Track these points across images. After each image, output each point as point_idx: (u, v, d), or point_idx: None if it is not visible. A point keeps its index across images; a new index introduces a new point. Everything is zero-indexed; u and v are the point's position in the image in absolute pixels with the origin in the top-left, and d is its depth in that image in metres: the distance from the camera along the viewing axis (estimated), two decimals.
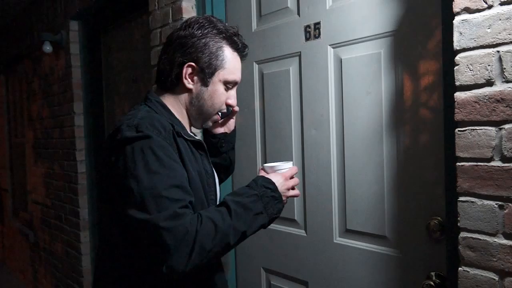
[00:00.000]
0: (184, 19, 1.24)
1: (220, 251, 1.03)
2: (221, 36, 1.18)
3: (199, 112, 1.22)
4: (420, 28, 1.35)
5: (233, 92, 1.24)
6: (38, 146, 3.97)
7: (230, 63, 1.19)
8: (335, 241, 1.62)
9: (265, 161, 1.87)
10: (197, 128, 1.30)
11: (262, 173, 1.21)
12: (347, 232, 1.58)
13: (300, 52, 1.70)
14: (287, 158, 1.75)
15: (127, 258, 1.10)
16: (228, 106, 1.25)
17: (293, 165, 1.25)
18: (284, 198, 1.17)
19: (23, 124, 4.54)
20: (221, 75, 1.18)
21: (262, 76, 1.87)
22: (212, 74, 1.17)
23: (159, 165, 1.01)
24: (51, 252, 3.77)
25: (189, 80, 1.17)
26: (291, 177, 1.21)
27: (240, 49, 1.22)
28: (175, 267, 0.96)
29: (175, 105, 1.21)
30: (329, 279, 1.64)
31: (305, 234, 1.72)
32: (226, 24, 1.22)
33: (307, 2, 1.67)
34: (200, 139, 1.21)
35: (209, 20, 1.19)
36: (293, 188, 1.21)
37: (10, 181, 5.26)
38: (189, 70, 1.16)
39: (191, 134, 1.21)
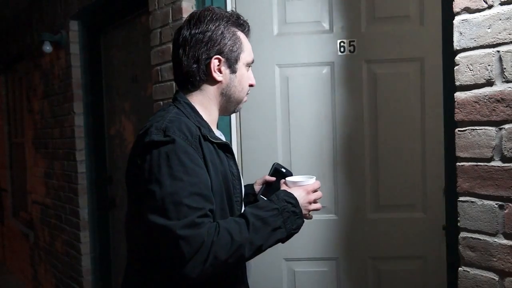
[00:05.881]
0: (185, 19, 1.23)
1: (235, 262, 1.04)
2: (229, 22, 1.20)
3: (230, 99, 1.23)
4: None
5: (250, 72, 1.27)
6: (38, 146, 3.97)
7: (246, 45, 1.23)
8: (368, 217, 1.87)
9: (288, 160, 1.92)
10: (229, 114, 1.34)
11: (284, 187, 1.22)
12: (380, 207, 1.86)
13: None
14: (316, 152, 1.89)
15: (149, 259, 1.11)
16: (250, 86, 1.27)
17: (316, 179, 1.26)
18: (305, 211, 1.18)
19: (23, 124, 4.54)
20: (243, 58, 1.21)
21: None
22: (236, 60, 1.20)
23: (183, 171, 1.02)
24: (51, 252, 3.77)
25: (218, 72, 1.19)
26: (314, 191, 1.22)
27: (247, 29, 1.25)
28: (188, 275, 0.98)
29: (204, 102, 1.21)
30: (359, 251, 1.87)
31: (336, 217, 1.89)
32: (220, 8, 1.24)
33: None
34: (227, 141, 1.21)
35: (212, 10, 1.20)
36: (315, 202, 1.22)
37: (10, 181, 5.26)
38: (216, 62, 1.17)
39: (218, 136, 1.22)
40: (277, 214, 1.09)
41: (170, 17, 2.09)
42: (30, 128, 4.18)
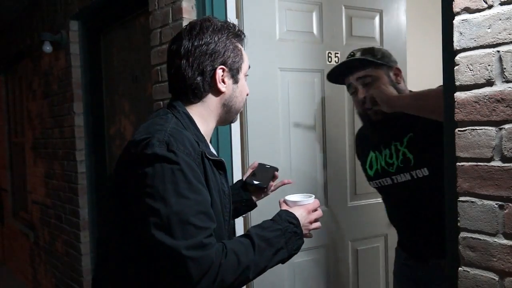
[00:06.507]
0: (184, 29, 1.22)
1: (239, 284, 1.03)
2: (229, 33, 1.20)
3: (231, 110, 1.23)
4: None
5: (246, 81, 1.28)
6: (38, 146, 3.97)
7: (244, 55, 1.24)
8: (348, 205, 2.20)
9: (289, 160, 2.06)
10: (226, 124, 1.35)
11: (285, 207, 1.22)
12: (356, 196, 2.22)
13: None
14: (310, 151, 2.09)
15: (146, 279, 1.07)
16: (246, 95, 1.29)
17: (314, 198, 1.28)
18: (306, 231, 1.19)
19: (23, 124, 4.54)
20: (243, 68, 1.23)
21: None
22: (238, 70, 1.21)
23: (188, 189, 0.99)
24: (51, 252, 3.77)
25: (222, 83, 1.18)
26: (314, 210, 1.22)
27: (243, 38, 1.25)
28: None
29: (204, 114, 1.20)
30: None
31: (326, 208, 2.11)
32: (218, 19, 1.24)
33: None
34: (221, 158, 1.20)
35: (212, 21, 1.19)
36: (315, 221, 1.23)
37: (10, 181, 5.26)
38: (221, 72, 1.17)
39: (213, 152, 1.20)
40: (280, 234, 1.09)
41: (170, 17, 2.10)
42: (30, 128, 4.18)
